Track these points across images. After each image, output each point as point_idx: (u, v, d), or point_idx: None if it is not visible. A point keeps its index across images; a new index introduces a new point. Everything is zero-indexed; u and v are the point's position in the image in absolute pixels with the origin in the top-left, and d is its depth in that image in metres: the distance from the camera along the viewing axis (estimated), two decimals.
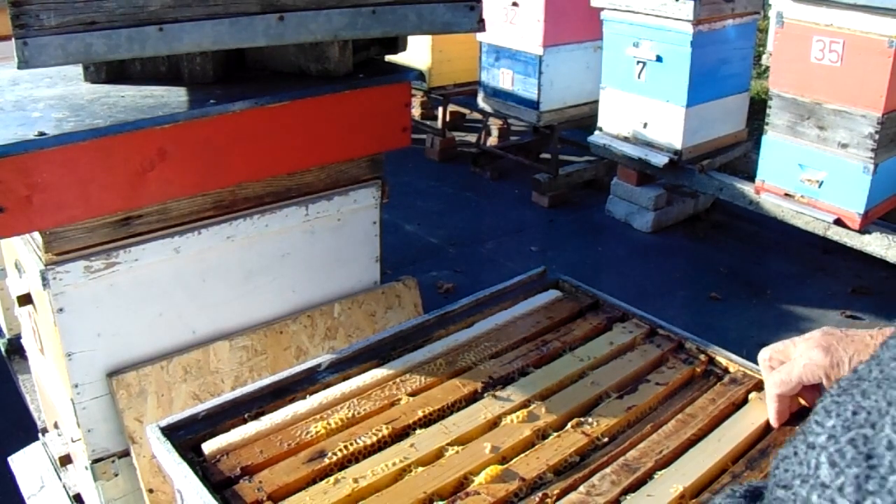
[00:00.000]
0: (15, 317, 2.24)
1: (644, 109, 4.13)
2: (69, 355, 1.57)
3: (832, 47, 3.31)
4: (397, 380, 1.24)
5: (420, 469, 1.05)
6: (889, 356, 0.31)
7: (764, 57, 6.67)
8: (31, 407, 2.31)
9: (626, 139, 4.26)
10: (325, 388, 1.22)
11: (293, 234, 1.81)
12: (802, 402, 1.05)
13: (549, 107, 4.55)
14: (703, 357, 1.27)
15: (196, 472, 1.02)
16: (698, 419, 1.12)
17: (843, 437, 0.31)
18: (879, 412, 0.30)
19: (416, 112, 5.73)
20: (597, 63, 4.40)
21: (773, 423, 1.08)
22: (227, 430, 1.13)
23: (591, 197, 4.78)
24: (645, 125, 4.14)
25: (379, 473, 1.03)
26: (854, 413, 0.32)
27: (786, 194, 3.69)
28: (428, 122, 5.81)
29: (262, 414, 1.17)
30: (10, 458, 2.19)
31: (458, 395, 1.20)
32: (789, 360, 0.99)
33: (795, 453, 0.33)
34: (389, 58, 1.91)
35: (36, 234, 1.51)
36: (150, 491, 1.64)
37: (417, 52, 4.95)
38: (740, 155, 4.41)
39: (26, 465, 2.14)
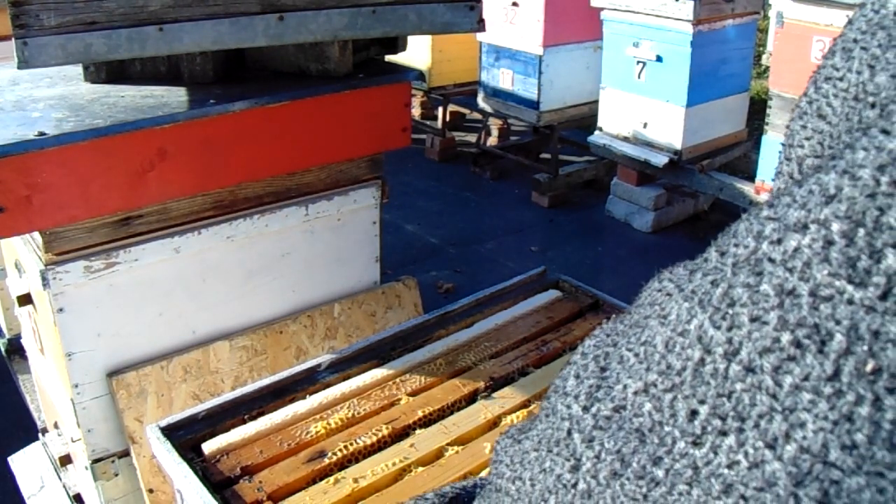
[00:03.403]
0: (15, 317, 2.24)
1: (644, 109, 4.13)
2: (69, 355, 1.57)
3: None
4: (397, 380, 1.24)
5: (420, 469, 1.05)
6: (652, 284, 0.34)
7: (764, 57, 6.67)
8: (31, 407, 2.31)
9: (626, 139, 4.26)
10: (325, 388, 1.22)
11: (293, 234, 1.81)
12: None
13: (549, 107, 4.55)
14: None
15: (196, 472, 1.02)
16: None
17: (591, 354, 0.36)
18: (623, 333, 0.34)
19: (416, 112, 5.73)
20: (597, 63, 4.40)
21: None
22: (227, 430, 1.13)
23: (591, 197, 4.78)
24: (645, 125, 4.14)
25: (379, 473, 1.03)
26: (607, 335, 0.36)
27: None
28: (428, 122, 5.80)
29: (262, 414, 1.17)
30: (10, 458, 2.19)
31: (458, 395, 1.20)
32: None
33: (563, 368, 0.38)
34: (389, 58, 1.91)
35: (36, 234, 1.51)
36: (150, 491, 1.64)
37: (417, 52, 4.95)
38: (740, 155, 4.41)
39: (26, 465, 2.14)
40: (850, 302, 0.24)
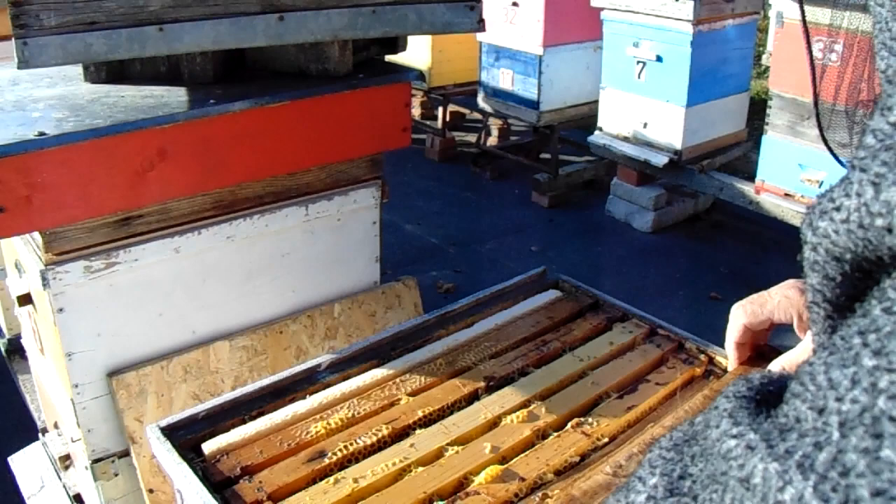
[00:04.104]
0: (15, 317, 2.24)
1: (644, 109, 4.13)
2: (69, 355, 1.57)
3: (832, 47, 3.31)
4: (397, 380, 1.24)
5: (420, 469, 1.05)
6: (722, 425, 0.29)
7: (764, 57, 6.67)
8: (31, 407, 2.31)
9: (626, 139, 4.26)
10: (325, 388, 1.22)
11: (293, 234, 1.81)
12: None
13: (549, 107, 4.55)
14: (703, 357, 1.27)
15: (196, 472, 1.02)
16: None
17: (664, 503, 0.30)
18: (703, 485, 0.29)
19: (416, 112, 5.73)
20: (597, 63, 4.40)
21: (732, 362, 1.06)
22: (227, 430, 1.13)
23: (591, 197, 4.78)
24: (645, 125, 4.14)
25: (379, 473, 1.03)
26: (681, 478, 0.31)
27: (786, 194, 3.69)
28: (428, 122, 5.81)
29: (262, 414, 1.17)
30: (10, 458, 2.19)
31: (458, 395, 1.20)
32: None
33: None
34: (389, 58, 1.91)
35: (36, 234, 1.51)
36: (150, 491, 1.64)
37: (417, 52, 4.95)
38: (740, 155, 4.41)
39: (26, 465, 2.14)
40: None
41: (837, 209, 0.27)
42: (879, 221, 0.25)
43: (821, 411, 0.24)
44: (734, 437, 0.27)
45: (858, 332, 0.25)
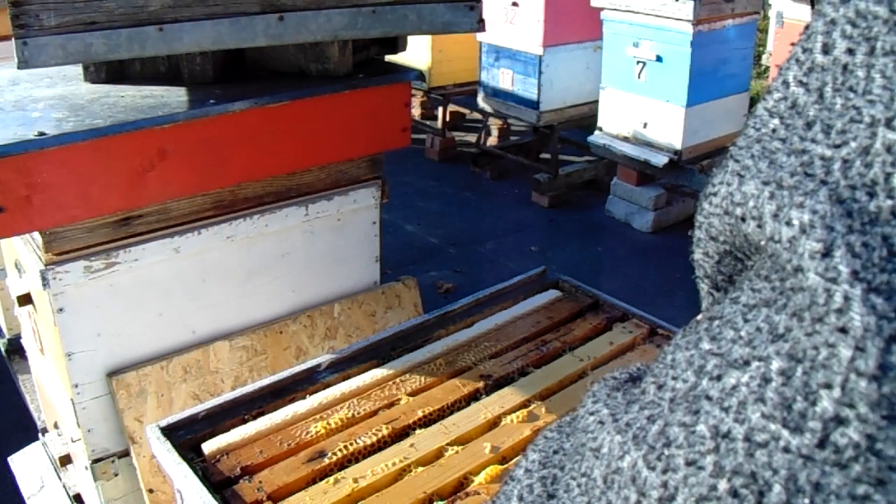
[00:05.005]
0: (15, 317, 2.24)
1: (644, 109, 4.13)
2: (69, 355, 1.57)
3: None
4: (397, 380, 1.24)
5: (420, 469, 1.05)
6: (587, 404, 0.32)
7: (764, 57, 6.67)
8: (31, 407, 2.31)
9: (626, 139, 4.26)
10: (325, 388, 1.23)
11: (293, 234, 1.81)
12: None
13: (549, 107, 4.55)
14: None
15: (196, 472, 1.02)
16: None
17: (538, 474, 0.34)
18: (569, 456, 0.32)
19: (416, 112, 5.73)
20: (597, 63, 4.40)
21: None
22: (227, 430, 1.13)
23: (591, 197, 4.77)
24: (645, 125, 4.14)
25: (379, 473, 1.03)
26: (555, 452, 0.34)
27: None
28: (428, 122, 5.80)
29: (262, 414, 1.17)
30: (10, 458, 2.19)
31: (458, 395, 1.20)
32: None
33: (506, 483, 0.35)
34: (389, 58, 1.91)
35: (36, 234, 1.51)
36: (150, 491, 1.64)
37: (417, 52, 4.94)
38: None
39: (26, 465, 2.14)
40: (787, 450, 0.22)
41: (715, 194, 0.30)
42: (738, 210, 0.28)
43: (660, 387, 0.27)
44: (591, 413, 0.30)
45: (708, 318, 0.28)
